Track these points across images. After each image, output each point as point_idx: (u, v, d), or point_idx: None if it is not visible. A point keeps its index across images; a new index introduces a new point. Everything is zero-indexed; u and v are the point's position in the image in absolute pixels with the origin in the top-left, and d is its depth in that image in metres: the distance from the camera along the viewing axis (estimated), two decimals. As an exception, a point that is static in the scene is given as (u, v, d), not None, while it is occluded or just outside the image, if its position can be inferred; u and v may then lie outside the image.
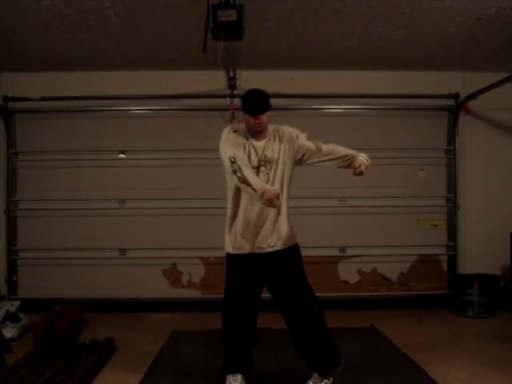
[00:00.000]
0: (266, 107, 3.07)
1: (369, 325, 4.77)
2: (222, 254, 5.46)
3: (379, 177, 5.54)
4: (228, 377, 3.23)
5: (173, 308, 5.45)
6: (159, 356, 3.94)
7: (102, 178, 5.53)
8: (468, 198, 5.67)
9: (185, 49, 4.80)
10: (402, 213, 5.58)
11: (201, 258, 5.57)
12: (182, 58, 5.12)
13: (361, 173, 3.17)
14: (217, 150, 5.60)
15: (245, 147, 3.10)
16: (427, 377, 3.40)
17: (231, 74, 5.28)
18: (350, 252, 5.63)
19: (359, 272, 5.64)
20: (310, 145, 3.20)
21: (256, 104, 3.06)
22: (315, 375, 3.19)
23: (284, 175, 3.13)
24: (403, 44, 4.78)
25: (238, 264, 3.17)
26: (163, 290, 5.56)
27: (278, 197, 2.77)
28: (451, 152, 5.67)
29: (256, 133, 3.13)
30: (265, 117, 3.07)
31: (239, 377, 3.22)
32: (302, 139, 3.21)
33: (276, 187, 2.98)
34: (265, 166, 3.09)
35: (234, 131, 3.16)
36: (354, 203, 5.58)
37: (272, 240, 3.09)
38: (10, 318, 4.56)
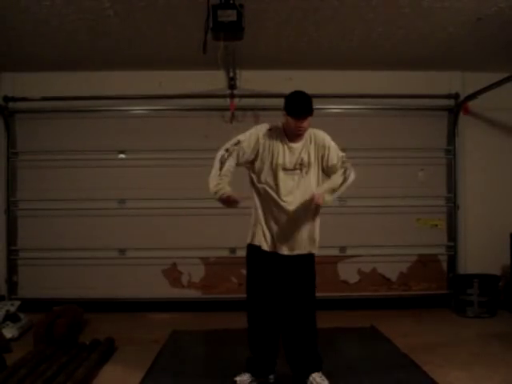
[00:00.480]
0: (310, 112, 3.07)
1: (369, 325, 4.77)
2: (222, 254, 5.50)
3: (379, 177, 5.56)
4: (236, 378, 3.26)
5: (173, 308, 5.45)
6: (159, 356, 3.94)
7: (101, 178, 5.53)
8: (468, 197, 5.68)
9: (185, 49, 4.80)
10: (402, 213, 5.58)
11: (201, 258, 5.57)
12: (181, 58, 5.12)
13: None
14: (216, 149, 5.61)
15: (279, 149, 3.10)
16: (427, 377, 3.40)
17: (231, 74, 5.28)
18: (349, 252, 5.63)
19: (359, 272, 5.64)
20: (336, 166, 3.24)
21: (301, 107, 3.03)
22: (316, 374, 3.23)
23: (318, 179, 3.20)
24: (403, 44, 4.78)
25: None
26: (163, 290, 5.56)
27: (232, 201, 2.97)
28: (451, 152, 5.67)
29: (295, 136, 3.12)
30: (307, 121, 3.07)
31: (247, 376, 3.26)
32: (333, 155, 3.23)
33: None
34: (300, 169, 3.13)
35: (269, 129, 3.16)
36: (353, 203, 5.58)
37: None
38: (10, 317, 4.57)
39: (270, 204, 3.15)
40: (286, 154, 3.12)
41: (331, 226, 5.53)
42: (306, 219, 3.18)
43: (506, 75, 4.62)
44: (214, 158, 3.18)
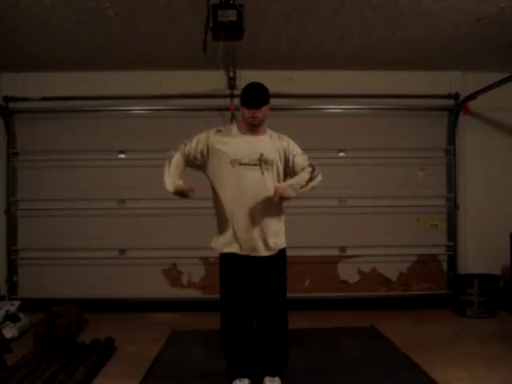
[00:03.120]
0: (263, 102, 3.06)
1: (369, 325, 4.77)
2: (222, 254, 5.46)
3: (379, 177, 5.56)
4: (235, 381, 3.16)
5: (173, 308, 5.45)
6: (159, 356, 3.94)
7: (101, 178, 5.53)
8: (468, 197, 5.68)
9: (185, 49, 4.80)
10: (402, 213, 5.58)
11: (201, 258, 5.57)
12: (182, 58, 5.12)
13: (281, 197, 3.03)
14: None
15: (233, 145, 3.10)
16: (427, 377, 3.40)
17: (231, 74, 5.28)
18: (349, 252, 5.63)
19: (359, 272, 5.64)
20: (301, 164, 3.16)
21: (253, 97, 3.05)
22: (268, 378, 3.16)
23: (276, 178, 3.12)
24: (403, 44, 4.78)
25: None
26: (163, 290, 5.56)
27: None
28: (451, 152, 5.67)
29: (252, 128, 3.11)
30: (260, 112, 3.05)
31: (246, 381, 3.16)
32: (299, 156, 3.18)
33: None
34: (260, 165, 3.06)
35: (219, 130, 3.20)
36: (353, 203, 5.58)
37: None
38: (10, 318, 4.56)
39: (232, 205, 3.10)
40: (241, 147, 3.08)
41: (331, 226, 5.56)
42: (270, 217, 3.11)
43: (506, 75, 4.62)
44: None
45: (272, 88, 5.31)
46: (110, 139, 5.54)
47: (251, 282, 3.13)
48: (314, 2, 3.86)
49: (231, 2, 3.41)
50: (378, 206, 5.55)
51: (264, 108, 3.07)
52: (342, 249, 5.63)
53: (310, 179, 3.10)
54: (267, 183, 3.06)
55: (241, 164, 3.05)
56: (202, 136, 3.21)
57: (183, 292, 5.59)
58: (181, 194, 3.16)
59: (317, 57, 5.19)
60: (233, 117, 5.40)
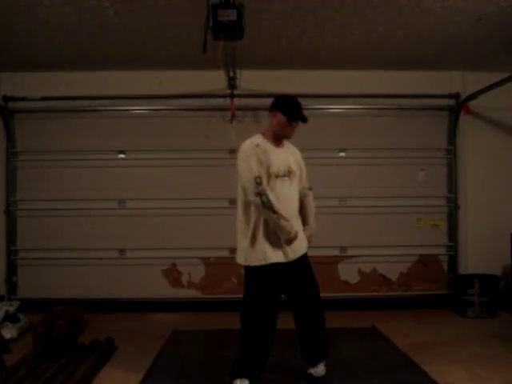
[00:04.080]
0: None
1: (369, 325, 4.76)
2: (222, 254, 5.49)
3: (379, 177, 5.56)
4: (235, 381, 3.16)
5: (173, 308, 5.44)
6: (159, 356, 3.94)
7: (101, 177, 5.53)
8: (468, 197, 5.67)
9: (185, 49, 4.80)
10: (402, 213, 5.57)
11: (201, 258, 5.56)
12: (182, 58, 5.12)
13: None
14: (217, 149, 5.61)
15: (270, 158, 3.08)
16: (427, 377, 3.40)
17: (231, 74, 5.27)
18: (350, 252, 5.63)
19: (359, 272, 5.64)
20: (305, 182, 3.39)
21: (302, 113, 3.15)
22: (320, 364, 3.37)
23: (296, 186, 3.25)
24: (403, 44, 4.78)
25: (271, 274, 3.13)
26: (163, 290, 5.55)
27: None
28: (451, 152, 5.67)
29: (278, 140, 3.18)
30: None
31: (247, 382, 3.16)
32: (304, 171, 3.38)
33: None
34: (289, 176, 3.16)
35: (257, 145, 3.08)
36: (354, 203, 5.58)
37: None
38: (10, 318, 4.56)
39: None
40: (277, 160, 3.11)
41: (331, 226, 5.55)
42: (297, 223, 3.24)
43: (506, 75, 4.61)
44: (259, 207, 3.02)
45: (272, 88, 5.39)
46: (110, 139, 5.54)
47: (291, 283, 3.20)
48: (314, 1, 3.86)
49: (231, 1, 3.41)
50: (378, 206, 5.55)
51: None
52: (343, 249, 5.63)
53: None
54: (295, 193, 3.23)
55: (277, 177, 3.11)
56: (254, 154, 3.05)
57: (183, 292, 5.58)
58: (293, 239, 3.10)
59: (317, 57, 5.19)
60: (233, 117, 5.40)
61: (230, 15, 3.39)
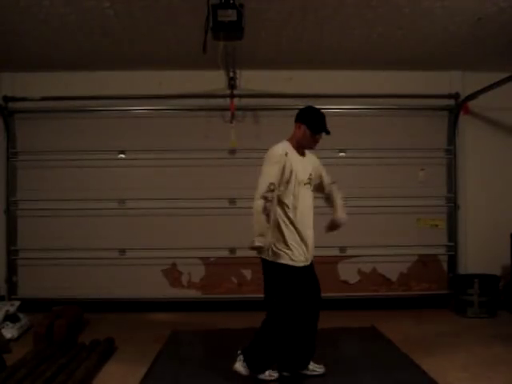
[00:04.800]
0: None
1: (369, 325, 4.77)
2: (222, 254, 5.49)
3: (379, 177, 5.56)
4: (268, 372, 3.35)
5: (173, 308, 5.44)
6: (159, 356, 3.94)
7: (102, 177, 5.53)
8: (468, 197, 5.67)
9: (185, 49, 4.80)
10: (402, 213, 5.58)
11: (201, 258, 5.57)
12: (182, 58, 5.12)
13: (332, 230, 3.48)
14: (217, 149, 5.61)
15: (297, 166, 3.25)
16: (427, 377, 3.40)
17: (231, 74, 5.28)
18: (350, 252, 5.63)
19: (359, 272, 5.64)
20: (327, 179, 3.55)
21: (325, 125, 3.30)
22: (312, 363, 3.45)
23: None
24: (403, 44, 4.79)
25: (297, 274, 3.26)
26: (163, 290, 5.55)
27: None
28: (451, 152, 5.67)
29: (301, 150, 3.35)
30: None
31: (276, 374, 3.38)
32: (324, 171, 3.55)
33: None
34: (310, 183, 3.36)
35: (286, 154, 3.22)
36: (353, 203, 5.55)
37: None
38: (10, 318, 4.56)
39: (300, 224, 3.27)
40: (302, 168, 3.29)
41: (331, 226, 5.54)
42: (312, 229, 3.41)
43: (506, 75, 4.62)
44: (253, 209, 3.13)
45: (272, 88, 5.39)
46: (110, 139, 5.54)
47: (308, 286, 3.33)
48: (314, 1, 3.86)
49: (231, 1, 3.41)
50: (378, 206, 5.55)
51: None
52: (342, 249, 5.63)
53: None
54: (311, 201, 3.39)
55: (304, 184, 3.30)
56: (280, 162, 3.19)
57: (183, 292, 5.59)
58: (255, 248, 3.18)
59: (317, 57, 5.19)
60: (233, 117, 5.40)
61: (230, 15, 3.40)
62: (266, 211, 3.04)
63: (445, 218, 5.70)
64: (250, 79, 5.45)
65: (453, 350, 4.03)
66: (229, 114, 5.42)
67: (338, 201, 3.49)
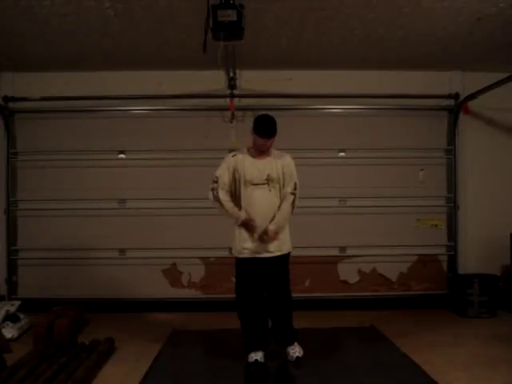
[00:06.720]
0: (274, 133, 3.60)
1: (369, 325, 4.77)
2: (222, 254, 5.51)
3: (379, 177, 5.56)
4: (251, 354, 3.70)
5: (173, 308, 5.44)
6: (159, 356, 3.94)
7: (102, 177, 5.53)
8: (468, 198, 5.67)
9: (185, 49, 4.80)
10: (402, 213, 5.58)
11: (201, 258, 5.57)
12: (182, 58, 5.12)
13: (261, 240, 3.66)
14: (217, 149, 5.66)
15: (244, 167, 3.63)
16: (427, 377, 3.40)
17: (231, 74, 5.27)
18: (349, 252, 5.63)
19: (359, 272, 5.64)
20: (289, 187, 3.70)
21: (266, 128, 3.59)
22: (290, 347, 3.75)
23: (280, 194, 3.66)
24: (403, 44, 4.78)
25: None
26: (163, 290, 5.55)
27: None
28: (451, 152, 5.67)
29: (260, 153, 3.67)
30: (270, 141, 3.61)
31: (260, 352, 3.70)
32: (289, 178, 3.71)
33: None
34: (267, 184, 3.62)
35: (233, 156, 3.71)
36: (354, 203, 5.58)
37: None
38: (10, 318, 4.56)
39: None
40: (252, 169, 3.62)
41: (331, 226, 5.56)
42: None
43: (506, 75, 4.62)
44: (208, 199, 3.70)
45: (272, 88, 5.39)
46: (110, 139, 5.54)
47: (262, 276, 3.69)
48: (314, 2, 3.86)
49: (231, 1, 3.41)
50: (378, 206, 5.55)
51: (273, 138, 3.62)
52: (342, 249, 5.63)
53: (292, 208, 3.68)
54: (272, 198, 3.65)
55: (251, 184, 3.62)
56: (224, 164, 3.71)
57: (183, 292, 5.59)
58: (246, 224, 3.61)
59: (317, 57, 5.19)
60: (232, 117, 5.40)
61: (230, 15, 3.39)
62: (216, 198, 3.61)
63: (444, 218, 5.70)
64: (250, 79, 5.45)
65: (453, 350, 4.03)
66: (229, 113, 5.42)
67: (279, 212, 3.63)
